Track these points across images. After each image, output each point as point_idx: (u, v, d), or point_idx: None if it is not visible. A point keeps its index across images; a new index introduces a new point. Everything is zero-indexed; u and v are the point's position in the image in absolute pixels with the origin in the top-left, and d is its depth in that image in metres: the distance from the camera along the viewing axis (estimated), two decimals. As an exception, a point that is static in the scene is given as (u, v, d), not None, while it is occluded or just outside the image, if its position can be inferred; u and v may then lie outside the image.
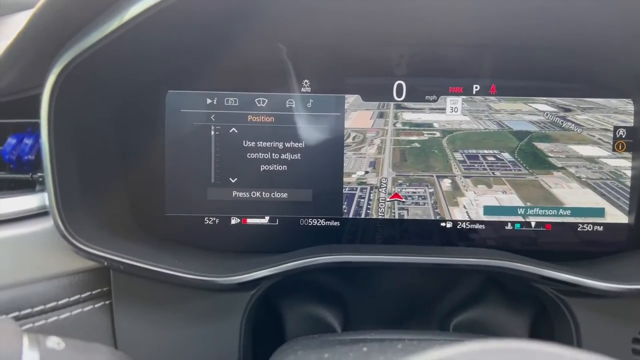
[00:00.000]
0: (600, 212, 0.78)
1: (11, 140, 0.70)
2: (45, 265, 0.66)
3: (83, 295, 0.68)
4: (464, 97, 0.78)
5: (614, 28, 0.70)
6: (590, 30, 0.71)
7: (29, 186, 0.70)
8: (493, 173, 0.78)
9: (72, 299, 0.67)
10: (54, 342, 0.46)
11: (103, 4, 0.59)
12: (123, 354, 0.53)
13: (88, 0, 0.59)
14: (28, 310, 0.64)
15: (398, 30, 0.73)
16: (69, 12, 0.58)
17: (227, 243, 0.78)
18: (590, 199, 0.77)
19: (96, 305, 0.69)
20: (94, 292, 0.69)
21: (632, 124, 0.77)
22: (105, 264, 0.64)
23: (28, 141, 0.70)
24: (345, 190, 0.78)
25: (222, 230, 0.78)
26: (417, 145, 0.78)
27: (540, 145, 0.78)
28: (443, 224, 0.78)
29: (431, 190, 0.78)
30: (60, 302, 0.66)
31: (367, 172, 0.78)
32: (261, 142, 0.78)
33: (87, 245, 0.63)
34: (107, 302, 0.70)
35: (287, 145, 0.78)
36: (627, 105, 0.77)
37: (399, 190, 0.78)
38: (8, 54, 0.60)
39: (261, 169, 0.78)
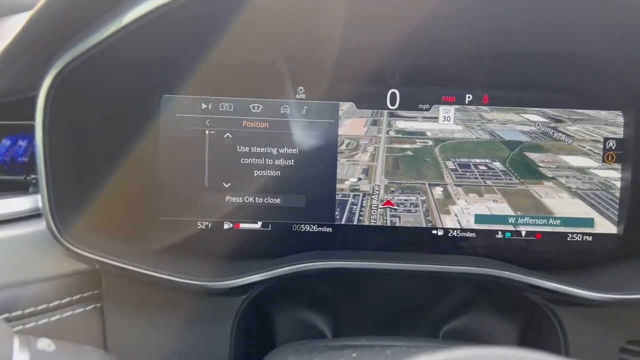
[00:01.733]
0: (589, 222, 0.78)
1: (5, 142, 0.70)
2: (36, 267, 0.66)
3: (74, 298, 0.68)
4: (457, 106, 0.78)
5: (606, 41, 0.71)
6: (582, 42, 0.72)
7: (22, 188, 0.70)
8: (484, 182, 0.79)
9: (63, 301, 0.66)
10: (44, 343, 0.46)
11: (101, 8, 0.60)
12: (113, 356, 0.53)
13: (86, 4, 0.59)
14: (19, 312, 0.64)
15: (393, 40, 0.74)
16: (67, 15, 0.59)
17: (219, 248, 0.78)
18: (580, 209, 0.78)
19: (87, 308, 0.69)
20: (85, 295, 0.68)
21: (621, 136, 0.78)
22: (97, 266, 0.64)
23: (22, 143, 0.70)
24: (338, 197, 0.78)
25: (214, 234, 0.78)
26: (409, 153, 0.79)
27: (532, 155, 0.79)
28: (434, 232, 0.79)
29: (423, 198, 0.79)
30: (51, 305, 0.66)
31: (359, 179, 0.79)
32: (255, 148, 0.78)
33: (79, 248, 0.63)
34: (98, 305, 0.70)
35: (281, 151, 0.78)
36: (617, 117, 0.78)
37: (391, 197, 0.79)
38: (4, 56, 0.60)
39: (255, 175, 0.78)
